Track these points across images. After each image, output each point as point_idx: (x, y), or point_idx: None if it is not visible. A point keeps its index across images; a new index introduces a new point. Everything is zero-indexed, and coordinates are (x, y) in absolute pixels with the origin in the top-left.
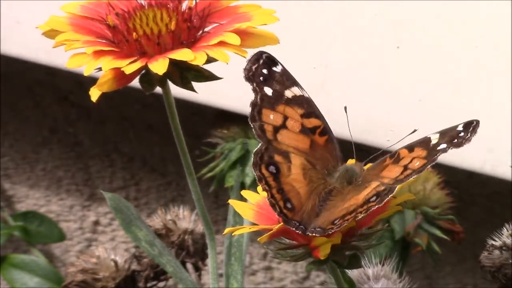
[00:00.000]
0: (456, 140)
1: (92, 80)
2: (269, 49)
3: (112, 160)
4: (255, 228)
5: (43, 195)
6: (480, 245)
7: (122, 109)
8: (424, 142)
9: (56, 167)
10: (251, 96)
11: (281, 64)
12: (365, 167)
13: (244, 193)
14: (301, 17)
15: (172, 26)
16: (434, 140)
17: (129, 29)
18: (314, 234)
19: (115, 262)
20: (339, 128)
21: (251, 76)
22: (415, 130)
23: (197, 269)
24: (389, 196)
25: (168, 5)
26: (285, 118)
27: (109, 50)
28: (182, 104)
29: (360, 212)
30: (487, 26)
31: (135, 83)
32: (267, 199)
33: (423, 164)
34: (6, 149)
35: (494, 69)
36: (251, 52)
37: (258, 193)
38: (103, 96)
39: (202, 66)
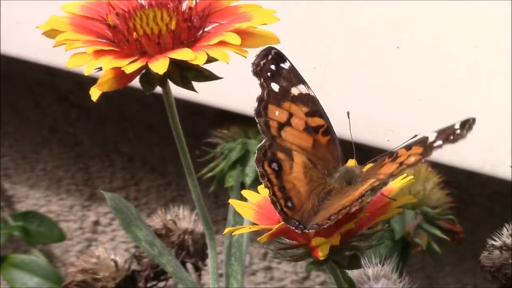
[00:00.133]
0: (451, 137)
1: (92, 80)
2: None
3: (112, 160)
4: (255, 228)
5: (43, 195)
6: (480, 245)
7: (122, 109)
8: (422, 141)
9: (56, 167)
10: (251, 96)
11: (289, 61)
12: (365, 168)
13: (244, 193)
14: (301, 17)
15: (173, 25)
16: (431, 138)
17: (129, 28)
18: (310, 230)
19: (115, 262)
20: (339, 128)
21: (259, 71)
22: (415, 136)
23: (197, 269)
24: (383, 188)
25: (169, 5)
26: (290, 115)
27: (109, 49)
28: (182, 104)
29: (355, 205)
30: (487, 26)
31: (135, 83)
32: (268, 196)
33: (418, 160)
34: (6, 149)
35: (494, 69)
36: (251, 52)
37: (258, 193)
38: (103, 96)
39: (203, 66)
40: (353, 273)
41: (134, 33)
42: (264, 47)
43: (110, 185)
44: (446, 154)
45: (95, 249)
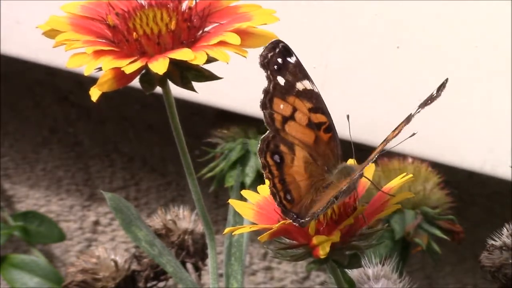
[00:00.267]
0: (429, 101)
1: (92, 80)
2: None
3: (112, 160)
4: (255, 228)
5: (43, 195)
6: (480, 245)
7: (122, 109)
8: (407, 117)
9: (56, 167)
10: (251, 96)
11: (296, 56)
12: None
13: (244, 193)
14: (301, 17)
15: (172, 26)
16: (413, 111)
17: (129, 29)
18: (306, 220)
19: (115, 262)
20: (339, 127)
21: (266, 63)
22: (414, 134)
23: (197, 269)
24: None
25: (168, 5)
26: (294, 110)
27: (109, 50)
28: (182, 104)
29: (339, 196)
30: (487, 26)
31: (135, 83)
32: (268, 187)
33: (400, 129)
34: (6, 149)
35: (494, 69)
36: (251, 52)
37: (258, 193)
38: (103, 96)
39: (202, 66)
40: (353, 273)
41: (134, 33)
42: (272, 40)
43: (110, 185)
44: (446, 154)
45: (95, 249)
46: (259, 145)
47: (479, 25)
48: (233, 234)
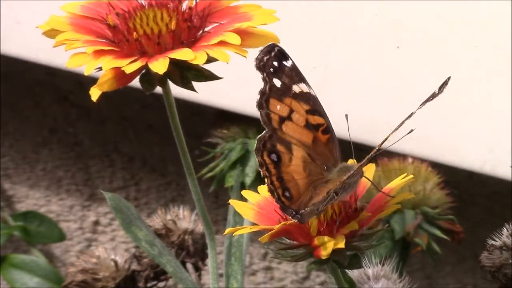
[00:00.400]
0: (431, 98)
1: (92, 80)
2: None
3: (112, 160)
4: (255, 228)
5: (43, 195)
6: (480, 245)
7: (122, 109)
8: (409, 115)
9: (56, 167)
10: (251, 96)
11: (291, 59)
12: None
13: (245, 193)
14: (301, 17)
15: (173, 25)
16: (415, 109)
17: (129, 28)
18: (305, 211)
19: (115, 262)
20: (339, 128)
21: (262, 66)
22: (412, 130)
23: (197, 269)
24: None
25: (169, 5)
26: (291, 111)
27: (109, 49)
28: (182, 104)
29: (339, 192)
30: (487, 26)
31: (135, 83)
32: (266, 184)
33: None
34: (6, 149)
35: (494, 69)
36: (251, 52)
37: (258, 193)
38: (103, 96)
39: (202, 66)
40: (353, 273)
41: (134, 33)
42: (268, 43)
43: (110, 185)
44: (446, 154)
45: (95, 249)
46: (255, 144)
47: (479, 25)
48: (233, 234)
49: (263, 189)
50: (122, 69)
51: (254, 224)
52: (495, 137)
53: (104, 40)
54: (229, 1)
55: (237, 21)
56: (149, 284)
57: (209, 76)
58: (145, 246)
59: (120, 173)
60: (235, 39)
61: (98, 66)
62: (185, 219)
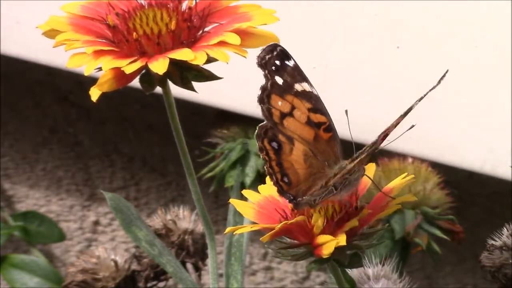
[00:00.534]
0: (428, 91)
1: (92, 80)
2: None
3: (112, 160)
4: (256, 227)
5: (43, 195)
6: (480, 245)
7: (122, 109)
8: (407, 110)
9: (56, 167)
10: (251, 96)
11: (294, 60)
12: None
13: (245, 192)
14: (301, 17)
15: (172, 26)
16: (413, 103)
17: (129, 29)
18: (303, 199)
19: (115, 262)
20: (340, 128)
21: (263, 63)
22: (413, 126)
23: (197, 269)
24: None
25: (168, 5)
26: (293, 107)
27: (109, 50)
28: (182, 104)
29: (339, 187)
30: (487, 26)
31: (135, 83)
32: (265, 167)
33: (399, 121)
34: (6, 149)
35: (494, 69)
36: (251, 52)
37: (258, 192)
38: (103, 96)
39: (202, 66)
40: (353, 273)
41: (134, 33)
42: (270, 43)
43: (110, 185)
44: (446, 154)
45: (95, 249)
46: (256, 130)
47: (479, 25)
48: (234, 234)
49: (264, 188)
50: (122, 69)
51: (254, 223)
52: (495, 137)
53: (104, 40)
54: (229, 1)
55: (237, 21)
56: (149, 284)
57: (209, 76)
58: (145, 246)
59: (120, 173)
60: (235, 39)
61: (98, 66)
62: (185, 219)
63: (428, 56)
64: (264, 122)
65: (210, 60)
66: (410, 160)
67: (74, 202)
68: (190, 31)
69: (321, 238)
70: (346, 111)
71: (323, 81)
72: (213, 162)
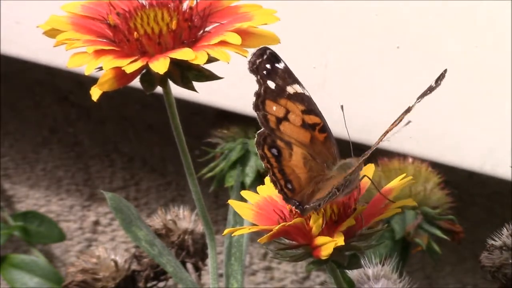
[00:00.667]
0: (428, 92)
1: (93, 80)
2: None
3: (112, 160)
4: (255, 229)
5: (43, 195)
6: (480, 245)
7: (122, 109)
8: (406, 109)
9: (56, 167)
10: (251, 96)
11: (284, 62)
12: None
13: (244, 193)
14: (301, 17)
15: (173, 25)
16: (412, 103)
17: (130, 28)
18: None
19: (115, 262)
20: (339, 128)
21: (255, 68)
22: (409, 122)
23: (197, 269)
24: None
25: (169, 5)
26: (287, 111)
27: (110, 49)
28: (182, 104)
29: (341, 188)
30: (487, 26)
31: (136, 82)
32: (268, 175)
33: (400, 119)
34: (6, 149)
35: (494, 69)
36: (251, 52)
37: (258, 193)
38: (103, 96)
39: (203, 66)
40: (353, 273)
41: (135, 33)
42: (260, 47)
43: (110, 185)
44: (446, 154)
45: (95, 249)
46: (256, 138)
47: (479, 25)
48: (233, 235)
49: (263, 189)
50: (122, 69)
51: (253, 224)
52: (495, 137)
53: (104, 40)
54: (229, 1)
55: (237, 21)
56: (149, 284)
57: (210, 76)
58: (145, 246)
59: (120, 173)
60: (236, 39)
61: (98, 66)
62: (185, 219)
63: (428, 56)
64: (262, 129)
65: (211, 60)
66: (410, 160)
67: (74, 202)
68: (191, 30)
69: (320, 240)
70: (342, 106)
71: (323, 81)
72: (213, 162)
